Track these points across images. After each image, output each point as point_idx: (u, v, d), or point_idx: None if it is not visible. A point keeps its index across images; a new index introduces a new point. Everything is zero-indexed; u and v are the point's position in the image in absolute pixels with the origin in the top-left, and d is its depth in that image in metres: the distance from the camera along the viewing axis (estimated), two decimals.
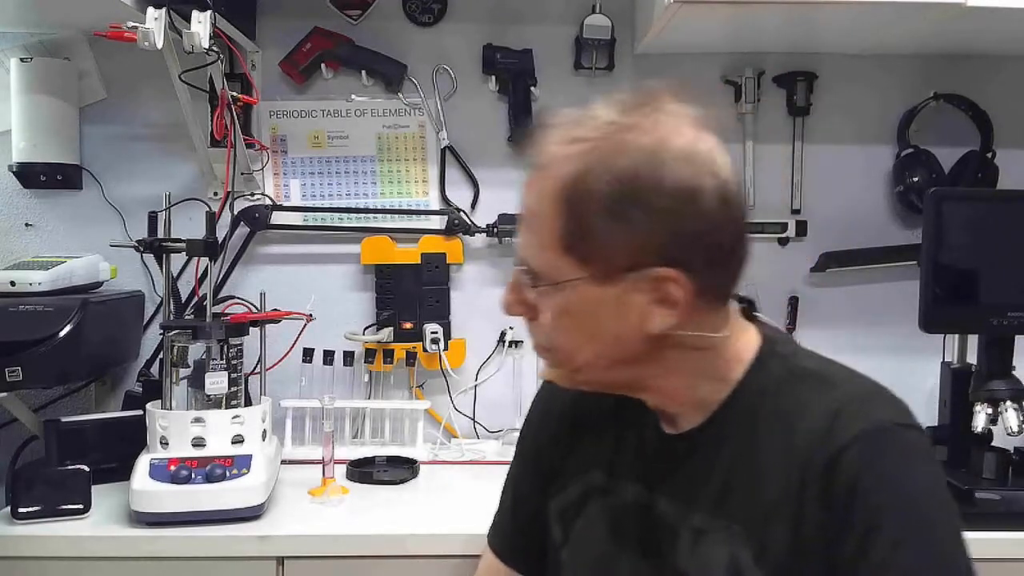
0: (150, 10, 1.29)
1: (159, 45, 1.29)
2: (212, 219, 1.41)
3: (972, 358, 1.42)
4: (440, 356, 1.67)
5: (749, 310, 0.87)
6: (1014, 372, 1.35)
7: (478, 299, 1.73)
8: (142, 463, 1.24)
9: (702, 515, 0.80)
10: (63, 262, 1.49)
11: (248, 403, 1.37)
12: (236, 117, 1.54)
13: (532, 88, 1.68)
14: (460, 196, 1.72)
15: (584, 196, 0.74)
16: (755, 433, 0.79)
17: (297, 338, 1.57)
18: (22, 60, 1.60)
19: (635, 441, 0.88)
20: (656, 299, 0.76)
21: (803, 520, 0.74)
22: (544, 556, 0.97)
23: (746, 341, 0.83)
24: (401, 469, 1.49)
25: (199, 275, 1.60)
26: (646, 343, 0.78)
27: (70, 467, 1.29)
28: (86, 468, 1.27)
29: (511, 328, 1.71)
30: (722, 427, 0.81)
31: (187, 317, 1.53)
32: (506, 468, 1.46)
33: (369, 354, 1.67)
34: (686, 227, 0.74)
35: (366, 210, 1.70)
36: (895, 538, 0.70)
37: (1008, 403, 1.32)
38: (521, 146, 0.83)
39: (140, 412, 1.34)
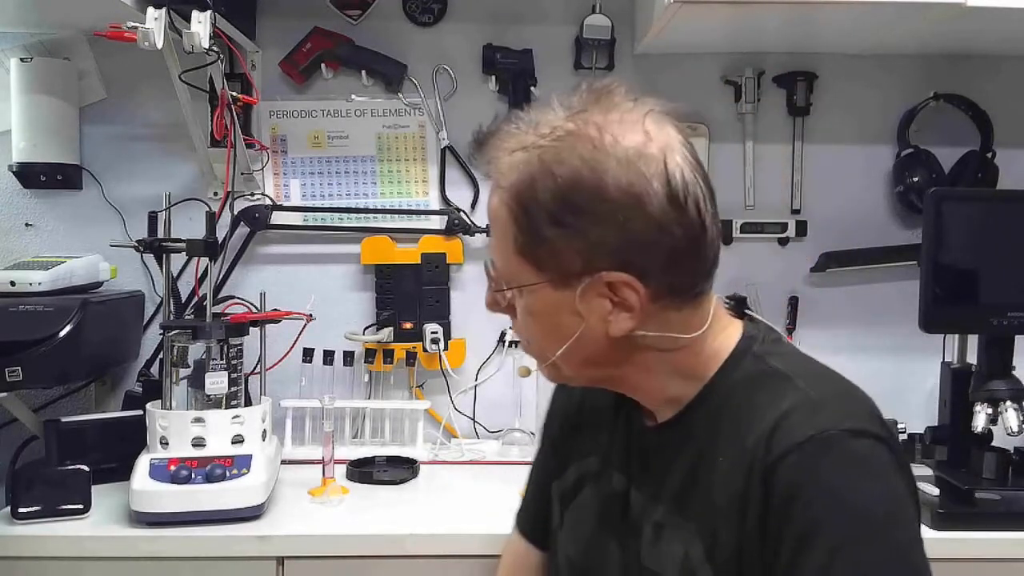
0: (150, 10, 1.29)
1: (159, 45, 1.29)
2: (212, 219, 1.41)
3: (972, 358, 1.42)
4: (440, 356, 1.67)
5: (739, 307, 0.86)
6: (1014, 372, 1.35)
7: (478, 299, 1.70)
8: (142, 463, 1.24)
9: (663, 511, 0.81)
10: (63, 262, 1.49)
11: (248, 403, 1.37)
12: (236, 117, 1.54)
13: (532, 88, 1.68)
14: (460, 196, 1.72)
15: (531, 205, 0.75)
16: (716, 432, 0.79)
17: (297, 338, 1.57)
18: (22, 60, 1.60)
19: (625, 431, 0.89)
20: (613, 303, 0.76)
21: (744, 524, 0.73)
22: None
23: (725, 339, 0.82)
24: (401, 469, 1.48)
25: (199, 275, 1.60)
26: (611, 344, 0.78)
27: (70, 467, 1.29)
28: (86, 468, 1.27)
29: (511, 328, 1.71)
30: (688, 425, 0.81)
31: (187, 317, 1.53)
32: (506, 468, 1.47)
33: (369, 354, 1.67)
34: (634, 232, 0.73)
35: (366, 210, 1.70)
36: (831, 547, 0.68)
37: (1008, 403, 1.32)
38: (473, 151, 0.83)
39: (140, 412, 1.34)
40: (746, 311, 0.87)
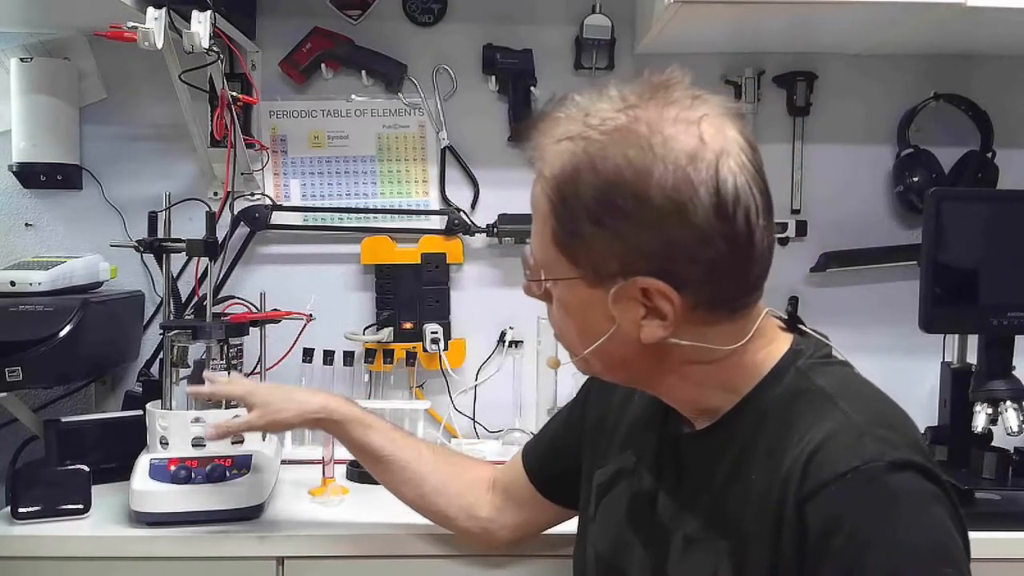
0: (150, 10, 1.29)
1: (159, 45, 1.29)
2: (212, 219, 1.41)
3: (972, 358, 1.42)
4: (440, 356, 1.67)
5: (792, 321, 0.83)
6: (1014, 372, 1.35)
7: (478, 299, 1.73)
8: (142, 463, 1.24)
9: (695, 524, 0.79)
10: (63, 262, 1.49)
11: None
12: (236, 117, 1.54)
13: (532, 88, 1.68)
14: (460, 196, 1.72)
15: (571, 199, 0.72)
16: (752, 448, 0.76)
17: (297, 338, 1.57)
18: (22, 60, 1.60)
19: (659, 431, 0.88)
20: (646, 309, 0.73)
21: (780, 548, 0.70)
22: (557, 485, 1.05)
23: (769, 352, 0.79)
24: None
25: (199, 275, 1.60)
26: (643, 350, 0.75)
27: (70, 467, 1.29)
28: (86, 468, 1.27)
29: (511, 328, 1.71)
30: (724, 437, 0.79)
31: (187, 317, 1.53)
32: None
33: (369, 354, 1.66)
34: (674, 240, 0.70)
35: (366, 210, 1.70)
36: None
37: (1008, 403, 1.32)
38: (521, 138, 0.80)
39: (140, 412, 1.34)
40: (799, 325, 0.83)
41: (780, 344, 0.80)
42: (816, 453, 0.69)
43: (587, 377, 1.03)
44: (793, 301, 1.72)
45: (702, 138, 0.70)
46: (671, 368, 0.78)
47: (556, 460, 1.05)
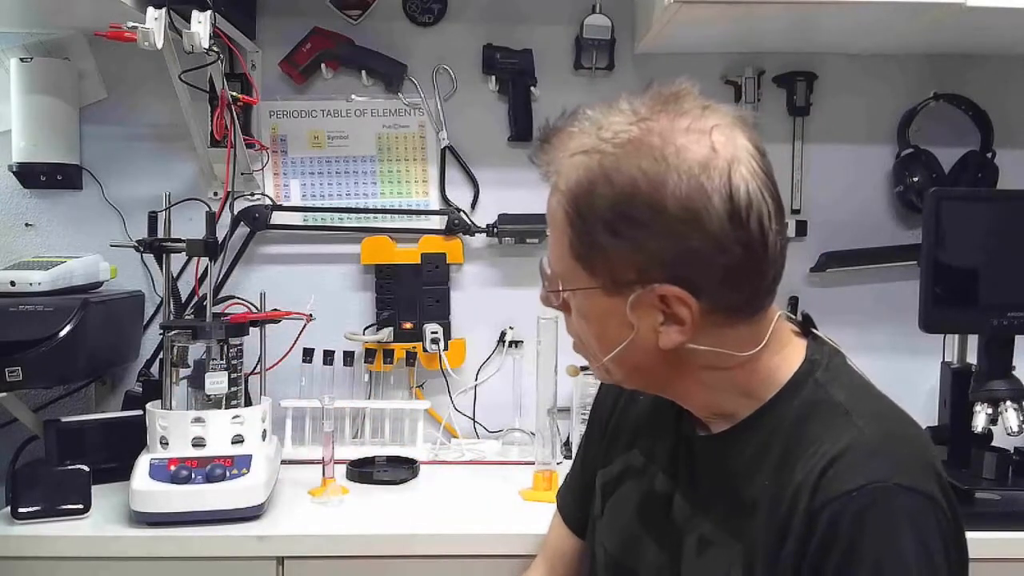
0: (150, 10, 1.29)
1: (159, 45, 1.29)
2: (212, 219, 1.41)
3: (972, 358, 1.42)
4: (440, 356, 1.67)
5: (805, 325, 0.84)
6: (1014, 372, 1.35)
7: (478, 299, 1.73)
8: (142, 463, 1.24)
9: (711, 527, 0.80)
10: (63, 262, 1.49)
11: (248, 403, 1.37)
12: (236, 117, 1.54)
13: (532, 88, 1.68)
14: (460, 196, 1.72)
15: (587, 211, 0.73)
16: (767, 456, 0.77)
17: (297, 338, 1.57)
18: (22, 60, 1.60)
19: (674, 432, 0.89)
20: (664, 316, 0.75)
21: (780, 556, 0.72)
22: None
23: (785, 359, 0.80)
24: (401, 469, 1.48)
25: (199, 275, 1.60)
26: (661, 356, 0.77)
27: (70, 467, 1.29)
28: (86, 468, 1.27)
29: (511, 328, 1.71)
30: (741, 442, 0.80)
31: (187, 317, 1.53)
32: (506, 468, 1.47)
33: (369, 354, 1.66)
34: (691, 247, 0.71)
35: (366, 210, 1.70)
36: None
37: (1008, 403, 1.32)
38: (535, 151, 0.80)
39: (140, 412, 1.34)
40: (812, 329, 0.84)
41: (795, 350, 0.81)
42: (828, 468, 0.71)
43: (592, 409, 1.05)
44: (793, 301, 1.72)
45: (713, 147, 0.71)
46: (689, 373, 0.79)
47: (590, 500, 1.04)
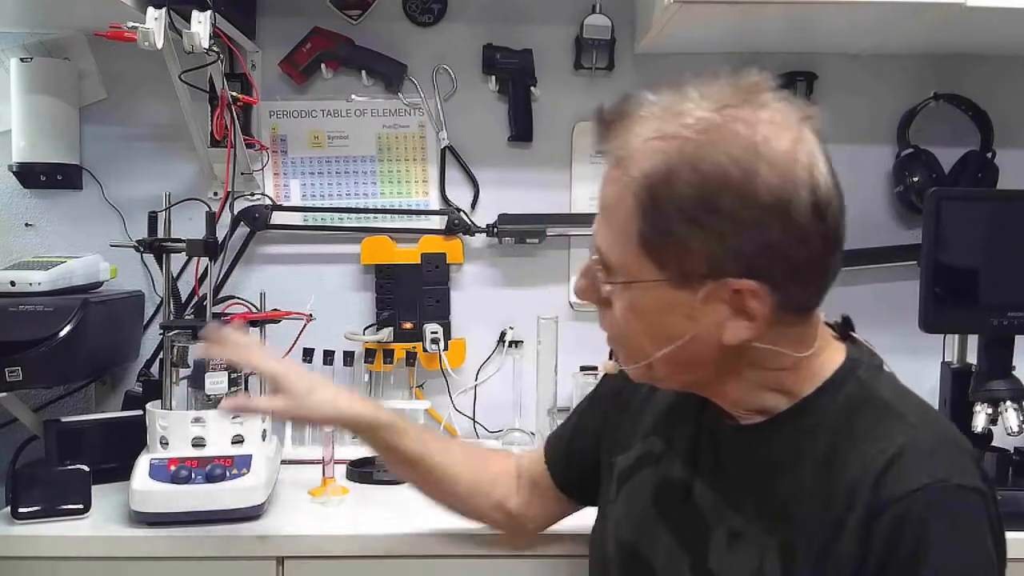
0: (150, 10, 1.29)
1: (159, 45, 1.29)
2: (212, 219, 1.41)
3: (972, 358, 1.42)
4: (440, 356, 1.67)
5: (844, 328, 0.84)
6: (1014, 372, 1.35)
7: (478, 299, 1.73)
8: (142, 463, 1.24)
9: (741, 518, 0.79)
10: (63, 262, 1.49)
11: None
12: (236, 117, 1.54)
13: (532, 88, 1.68)
14: (460, 196, 1.72)
15: (665, 197, 0.70)
16: (811, 451, 0.76)
17: (297, 338, 1.57)
18: (22, 60, 1.60)
19: (693, 419, 0.88)
20: (733, 310, 0.73)
21: (834, 552, 0.71)
22: (578, 485, 1.05)
23: (827, 359, 0.79)
24: None
25: (199, 275, 1.60)
26: (720, 352, 0.75)
27: (70, 467, 1.28)
28: (86, 468, 1.27)
29: (511, 328, 1.71)
30: (778, 436, 0.79)
31: (187, 317, 1.53)
32: None
33: (369, 354, 1.66)
34: (773, 239, 0.70)
35: (366, 210, 1.70)
36: None
37: (1008, 403, 1.32)
38: (600, 132, 0.76)
39: (140, 412, 1.34)
40: (851, 333, 0.84)
41: (836, 352, 0.81)
42: (889, 467, 0.71)
43: (604, 374, 1.04)
44: None
45: (797, 139, 0.71)
46: (735, 371, 0.78)
47: (579, 461, 1.05)
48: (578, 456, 1.05)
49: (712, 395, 0.83)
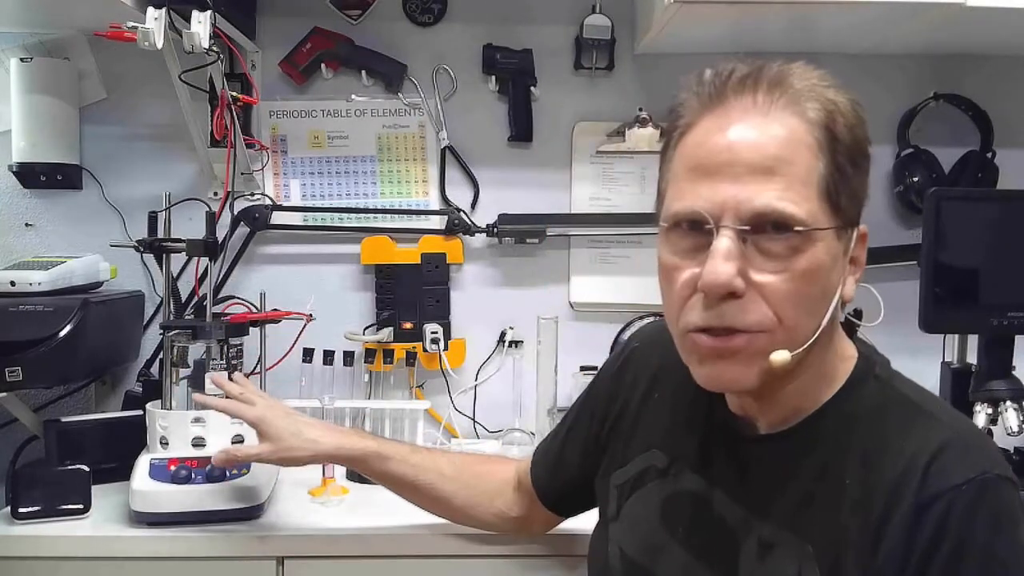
0: (150, 10, 1.29)
1: (159, 45, 1.29)
2: (212, 219, 1.41)
3: (972, 358, 1.42)
4: (440, 356, 1.67)
5: (850, 325, 0.83)
6: (1014, 372, 1.35)
7: (478, 299, 1.73)
8: (142, 463, 1.24)
9: (772, 527, 0.78)
10: (63, 262, 1.49)
11: None
12: (236, 117, 1.54)
13: (532, 88, 1.68)
14: (460, 196, 1.72)
15: (838, 140, 0.73)
16: (843, 453, 0.75)
17: (297, 338, 1.57)
18: (22, 60, 1.60)
19: (700, 429, 0.87)
20: (851, 261, 0.76)
21: (879, 552, 0.71)
22: (569, 505, 1.07)
23: (842, 351, 0.80)
24: None
25: (199, 275, 1.60)
26: (834, 318, 0.76)
27: (70, 467, 1.29)
28: (86, 468, 1.27)
29: (511, 328, 1.71)
30: (805, 441, 0.78)
31: (187, 317, 1.53)
32: None
33: (369, 354, 1.66)
34: (867, 185, 0.76)
35: (366, 210, 1.70)
36: None
37: (1008, 403, 1.32)
38: (757, 87, 0.74)
39: (140, 412, 1.34)
40: (857, 327, 0.84)
41: (847, 345, 0.82)
42: (932, 463, 0.71)
43: (587, 388, 1.04)
44: None
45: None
46: (825, 347, 0.77)
47: (563, 481, 1.06)
48: (562, 483, 1.06)
49: (776, 392, 0.78)
